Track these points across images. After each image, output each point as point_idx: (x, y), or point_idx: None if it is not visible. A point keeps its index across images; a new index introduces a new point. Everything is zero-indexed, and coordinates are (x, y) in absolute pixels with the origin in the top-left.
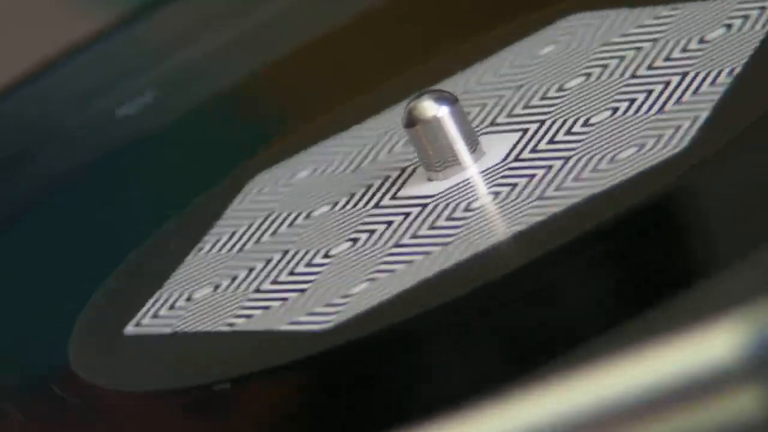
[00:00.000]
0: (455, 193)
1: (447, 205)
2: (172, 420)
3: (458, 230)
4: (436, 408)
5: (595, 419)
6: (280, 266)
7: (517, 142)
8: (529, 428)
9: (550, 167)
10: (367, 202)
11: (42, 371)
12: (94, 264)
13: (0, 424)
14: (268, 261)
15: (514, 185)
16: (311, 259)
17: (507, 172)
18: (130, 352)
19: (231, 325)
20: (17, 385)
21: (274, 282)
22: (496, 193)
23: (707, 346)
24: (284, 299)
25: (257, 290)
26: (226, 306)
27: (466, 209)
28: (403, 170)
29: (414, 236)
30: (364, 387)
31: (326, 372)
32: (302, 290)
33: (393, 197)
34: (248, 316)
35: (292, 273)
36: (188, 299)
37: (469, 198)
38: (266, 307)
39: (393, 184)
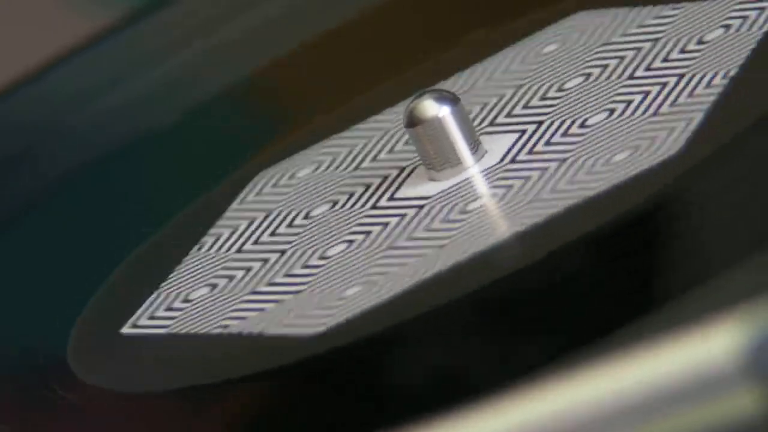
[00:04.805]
0: (453, 193)
1: (443, 206)
2: (171, 420)
3: (453, 232)
4: (432, 410)
5: (595, 419)
6: (277, 267)
7: (516, 143)
8: (528, 428)
9: (546, 169)
10: (366, 202)
11: (42, 371)
12: (94, 264)
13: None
14: (266, 261)
15: (511, 186)
16: (307, 261)
17: (505, 173)
18: (129, 352)
19: (225, 327)
20: (17, 386)
21: (270, 283)
22: (494, 195)
23: (707, 346)
24: (279, 301)
25: (253, 291)
26: (221, 307)
27: (464, 211)
28: (404, 170)
29: (409, 238)
30: (360, 389)
31: (322, 374)
32: (297, 292)
33: (391, 198)
34: (243, 318)
35: (288, 275)
36: (185, 300)
37: (468, 199)
38: (261, 309)
39: (393, 183)
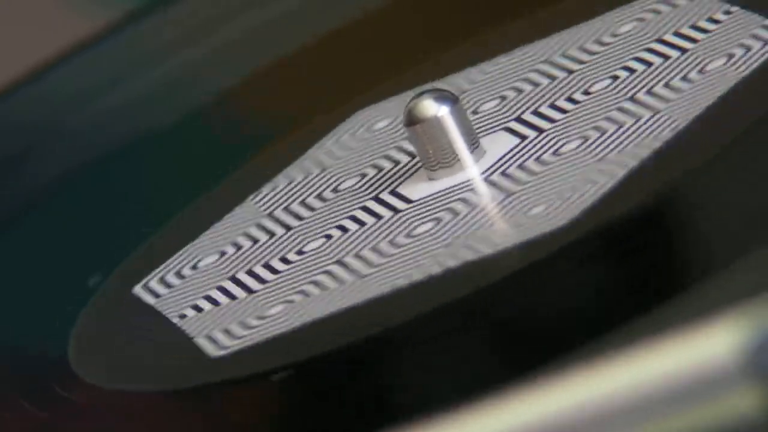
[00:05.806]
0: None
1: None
2: (171, 420)
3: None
4: (431, 410)
5: (595, 419)
6: (278, 264)
7: (516, 144)
8: (528, 428)
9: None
10: (363, 197)
11: (42, 371)
12: (94, 264)
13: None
14: (269, 267)
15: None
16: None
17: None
18: (130, 352)
19: (183, 316)
20: (17, 385)
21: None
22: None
23: (707, 346)
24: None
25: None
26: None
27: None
28: (404, 169)
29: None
30: (360, 389)
31: (324, 374)
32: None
33: (391, 193)
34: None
35: (266, 265)
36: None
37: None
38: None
39: (394, 180)
